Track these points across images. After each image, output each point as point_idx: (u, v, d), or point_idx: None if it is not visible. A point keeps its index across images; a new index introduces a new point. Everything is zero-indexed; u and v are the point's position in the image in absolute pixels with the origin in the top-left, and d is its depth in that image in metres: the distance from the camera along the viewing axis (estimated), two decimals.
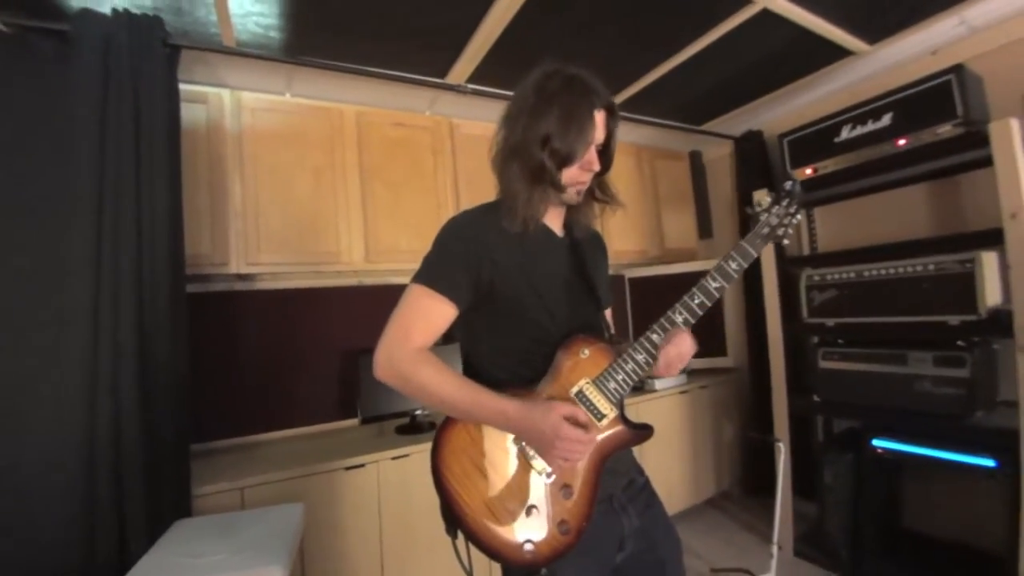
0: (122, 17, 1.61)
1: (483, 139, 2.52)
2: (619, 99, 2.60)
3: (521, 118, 0.92)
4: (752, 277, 2.70)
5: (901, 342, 2.03)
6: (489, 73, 2.26)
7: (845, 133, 2.20)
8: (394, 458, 1.93)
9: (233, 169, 2.00)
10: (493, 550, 0.84)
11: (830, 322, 2.24)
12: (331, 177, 2.18)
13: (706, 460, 2.93)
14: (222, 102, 2.01)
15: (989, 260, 1.80)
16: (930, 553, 2.01)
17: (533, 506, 0.86)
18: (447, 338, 0.91)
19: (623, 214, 1.06)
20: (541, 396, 0.89)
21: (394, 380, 0.88)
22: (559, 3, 1.80)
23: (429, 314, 0.90)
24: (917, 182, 2.29)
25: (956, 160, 2.01)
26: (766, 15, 1.95)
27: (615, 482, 0.95)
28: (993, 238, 1.75)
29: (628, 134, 3.04)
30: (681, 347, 0.90)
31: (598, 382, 0.91)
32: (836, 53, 2.31)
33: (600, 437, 0.90)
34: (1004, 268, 1.75)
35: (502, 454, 0.88)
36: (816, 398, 2.31)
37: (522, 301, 0.93)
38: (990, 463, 1.77)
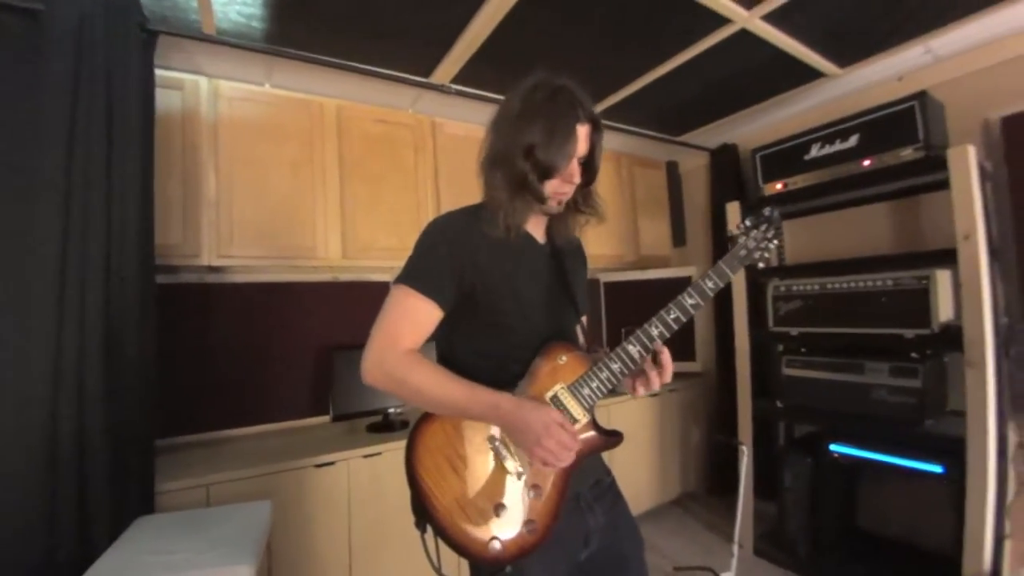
0: None
1: (466, 140, 2.54)
2: (602, 106, 2.64)
3: (506, 126, 0.94)
4: (723, 286, 2.78)
5: (859, 352, 2.12)
6: (474, 75, 2.27)
7: (815, 151, 2.29)
8: (365, 456, 1.93)
9: (208, 159, 1.96)
10: (461, 546, 0.85)
11: (794, 331, 2.33)
12: (309, 171, 2.16)
13: (673, 461, 3.01)
14: (199, 90, 1.96)
15: (943, 278, 1.90)
16: (882, 553, 2.11)
17: (503, 505, 0.88)
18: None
19: (597, 220, 1.08)
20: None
21: (387, 384, 0.88)
22: (546, 9, 1.82)
23: (416, 316, 0.90)
24: (880, 201, 2.40)
25: (916, 182, 2.11)
26: (744, 35, 2.01)
27: (582, 481, 0.98)
28: (947, 257, 1.84)
29: (609, 141, 3.07)
30: (654, 382, 0.95)
31: (573, 388, 0.93)
32: (809, 74, 2.40)
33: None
34: (956, 286, 1.84)
35: (476, 453, 0.90)
36: (779, 403, 2.40)
37: (503, 306, 0.94)
38: (938, 469, 1.87)
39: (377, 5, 1.77)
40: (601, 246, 3.07)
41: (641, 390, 0.97)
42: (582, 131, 0.93)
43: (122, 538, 1.30)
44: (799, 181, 2.35)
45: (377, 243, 2.28)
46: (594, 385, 0.93)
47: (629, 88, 2.48)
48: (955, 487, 1.79)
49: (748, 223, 1.02)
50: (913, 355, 1.96)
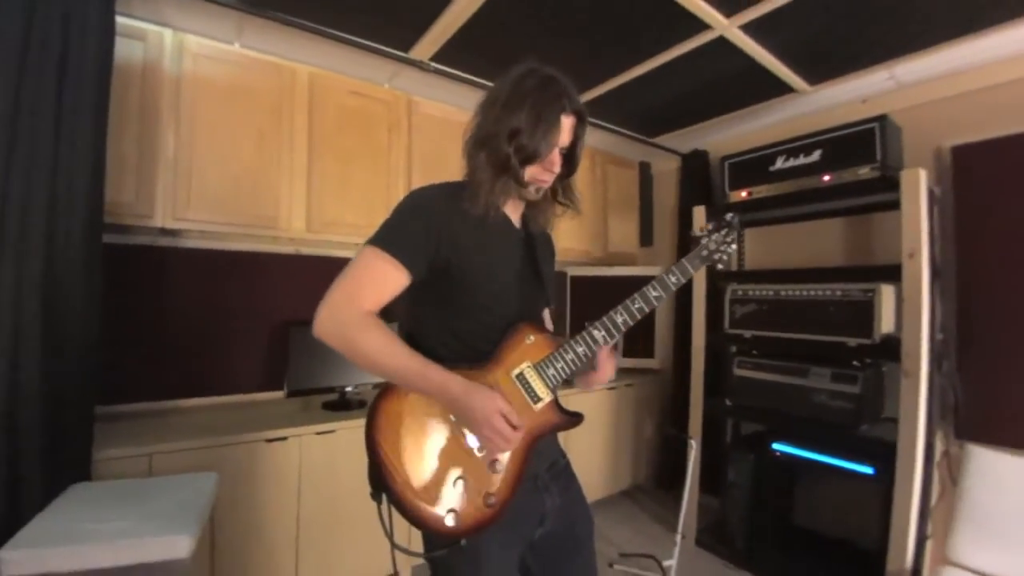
0: None
1: (442, 121, 2.51)
2: (582, 100, 2.65)
3: (494, 109, 0.94)
4: (684, 287, 2.85)
5: (806, 357, 2.23)
6: (453, 57, 2.24)
7: (779, 163, 2.37)
8: (319, 433, 1.90)
9: (168, 116, 1.86)
10: (416, 517, 0.85)
11: (747, 334, 2.42)
12: (276, 138, 2.08)
13: (625, 454, 3.09)
14: (163, 42, 1.86)
15: (887, 292, 2.01)
16: (815, 548, 2.23)
17: (461, 478, 0.88)
18: (386, 316, 0.90)
19: (573, 212, 1.10)
20: (484, 376, 0.92)
21: (334, 340, 0.86)
22: None
23: (382, 278, 0.89)
24: (835, 216, 2.51)
25: (870, 200, 2.22)
26: (722, 42, 2.06)
27: (540, 463, 1.00)
28: (893, 273, 1.95)
29: (587, 136, 3.10)
30: (605, 371, 1.03)
31: (539, 367, 0.96)
32: (780, 88, 2.48)
33: (534, 418, 0.94)
34: (899, 301, 1.96)
35: (437, 425, 0.90)
36: (728, 402, 2.50)
37: (476, 282, 0.94)
38: (869, 471, 1.99)
39: None
40: (571, 240, 3.10)
41: (590, 382, 1.04)
42: (567, 122, 0.95)
43: (54, 504, 1.24)
44: (763, 190, 2.43)
45: (344, 219, 2.23)
46: (559, 366, 0.97)
47: (608, 84, 2.50)
48: (884, 488, 1.91)
49: (711, 226, 1.12)
50: (854, 363, 2.07)
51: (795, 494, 2.37)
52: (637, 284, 1.02)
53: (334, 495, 1.92)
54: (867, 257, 2.44)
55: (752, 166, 2.48)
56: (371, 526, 0.89)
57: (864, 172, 2.08)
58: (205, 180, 1.92)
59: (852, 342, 2.05)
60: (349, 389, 2.23)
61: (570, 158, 1.00)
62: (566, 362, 0.97)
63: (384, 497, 0.87)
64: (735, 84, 2.47)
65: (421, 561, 0.95)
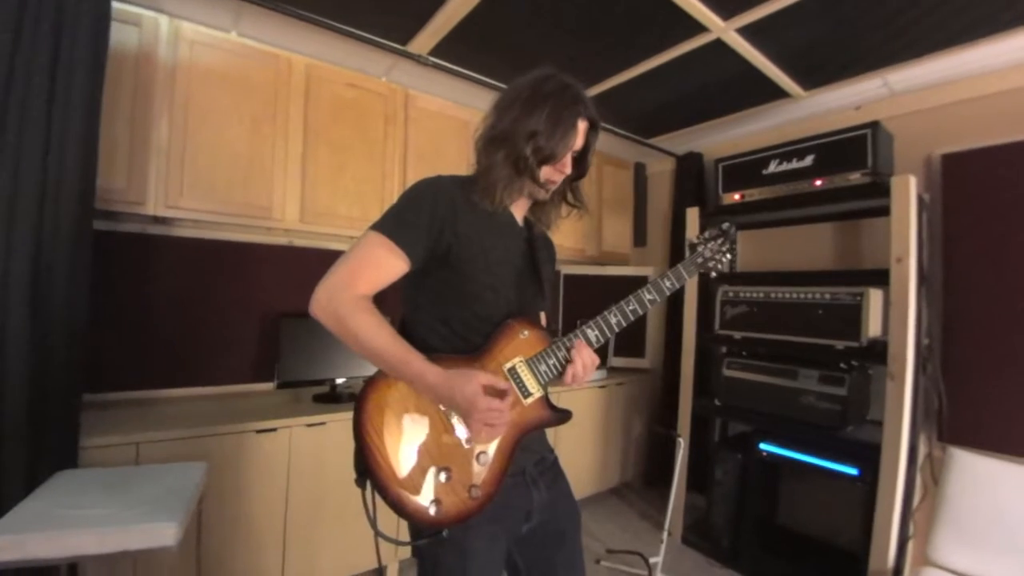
0: None
1: (438, 115, 2.50)
2: None
3: (513, 110, 0.96)
4: (678, 288, 2.89)
5: (794, 359, 2.25)
6: (451, 51, 2.23)
7: (773, 167, 2.39)
8: (309, 425, 1.89)
9: (162, 103, 1.84)
10: (400, 506, 0.86)
11: (737, 335, 2.44)
12: (271, 128, 2.07)
13: (614, 452, 3.10)
14: (158, 28, 1.84)
15: (875, 296, 2.04)
16: (798, 547, 2.26)
17: (447, 468, 0.89)
18: (384, 309, 0.91)
19: (580, 212, 1.13)
20: (474, 367, 0.92)
21: (328, 319, 0.88)
22: None
23: (382, 265, 0.90)
24: (826, 220, 2.54)
25: (860, 205, 2.24)
26: (719, 45, 2.07)
27: (527, 457, 1.01)
28: (881, 278, 1.97)
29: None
30: (585, 359, 0.97)
31: (531, 362, 0.97)
32: (775, 93, 2.50)
33: (523, 413, 0.95)
34: (886, 305, 1.98)
35: (426, 414, 0.90)
36: (717, 402, 2.52)
37: (476, 275, 0.95)
38: (853, 471, 2.02)
39: None
40: (565, 238, 3.11)
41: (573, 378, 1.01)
42: (582, 126, 0.99)
43: (40, 490, 1.23)
44: (756, 194, 2.45)
45: (337, 211, 2.22)
46: (551, 362, 0.97)
47: (605, 84, 2.51)
48: (867, 489, 1.94)
49: (707, 235, 1.16)
50: (841, 365, 2.10)
51: (780, 494, 2.39)
52: (630, 283, 1.04)
53: (323, 487, 1.91)
54: (856, 261, 2.47)
55: (746, 169, 2.50)
56: (359, 519, 0.89)
57: (855, 178, 2.11)
58: (198, 168, 1.91)
59: (840, 345, 2.08)
60: (340, 382, 2.22)
61: (580, 162, 1.04)
62: (558, 359, 0.98)
63: (368, 483, 0.87)
64: (731, 87, 2.49)
65: (408, 555, 0.95)
